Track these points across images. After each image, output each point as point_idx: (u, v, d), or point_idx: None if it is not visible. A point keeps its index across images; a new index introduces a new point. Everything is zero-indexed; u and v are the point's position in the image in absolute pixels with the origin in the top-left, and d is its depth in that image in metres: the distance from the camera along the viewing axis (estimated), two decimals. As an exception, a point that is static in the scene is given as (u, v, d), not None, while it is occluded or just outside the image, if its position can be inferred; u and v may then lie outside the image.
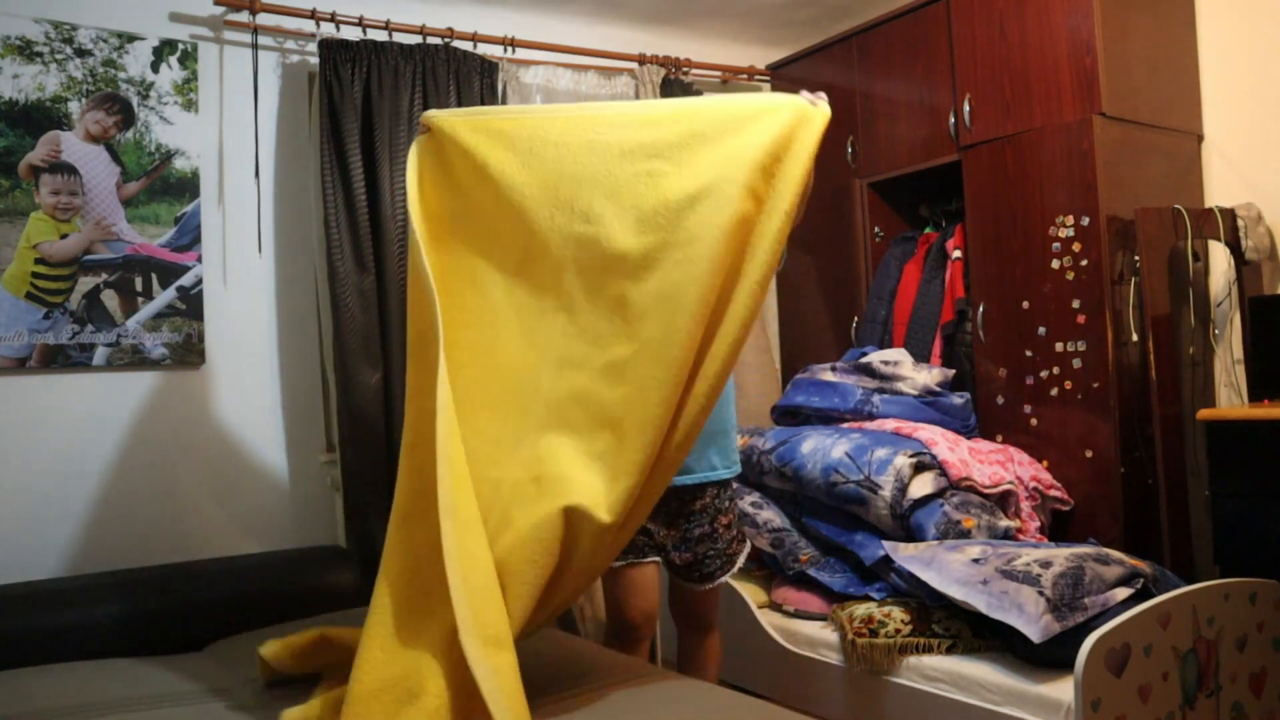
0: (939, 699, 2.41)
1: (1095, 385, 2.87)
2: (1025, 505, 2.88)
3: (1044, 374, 3.01)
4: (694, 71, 4.00)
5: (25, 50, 2.87)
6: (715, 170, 1.81)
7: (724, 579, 2.35)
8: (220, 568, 2.83)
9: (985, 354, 3.20)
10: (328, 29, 3.27)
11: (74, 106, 2.93)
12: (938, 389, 3.20)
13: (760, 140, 1.83)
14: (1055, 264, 2.97)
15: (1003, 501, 2.87)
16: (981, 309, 3.21)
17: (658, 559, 2.35)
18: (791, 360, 4.01)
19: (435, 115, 2.01)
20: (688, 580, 2.35)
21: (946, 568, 2.49)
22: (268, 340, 3.24)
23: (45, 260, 2.87)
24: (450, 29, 3.44)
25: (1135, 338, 2.85)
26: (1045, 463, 3.01)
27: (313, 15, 3.21)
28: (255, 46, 3.17)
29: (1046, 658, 2.28)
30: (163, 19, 3.10)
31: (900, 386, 3.20)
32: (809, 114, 1.88)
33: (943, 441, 2.89)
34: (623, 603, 2.33)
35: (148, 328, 3.02)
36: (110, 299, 2.96)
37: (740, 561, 2.39)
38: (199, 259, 3.11)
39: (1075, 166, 2.91)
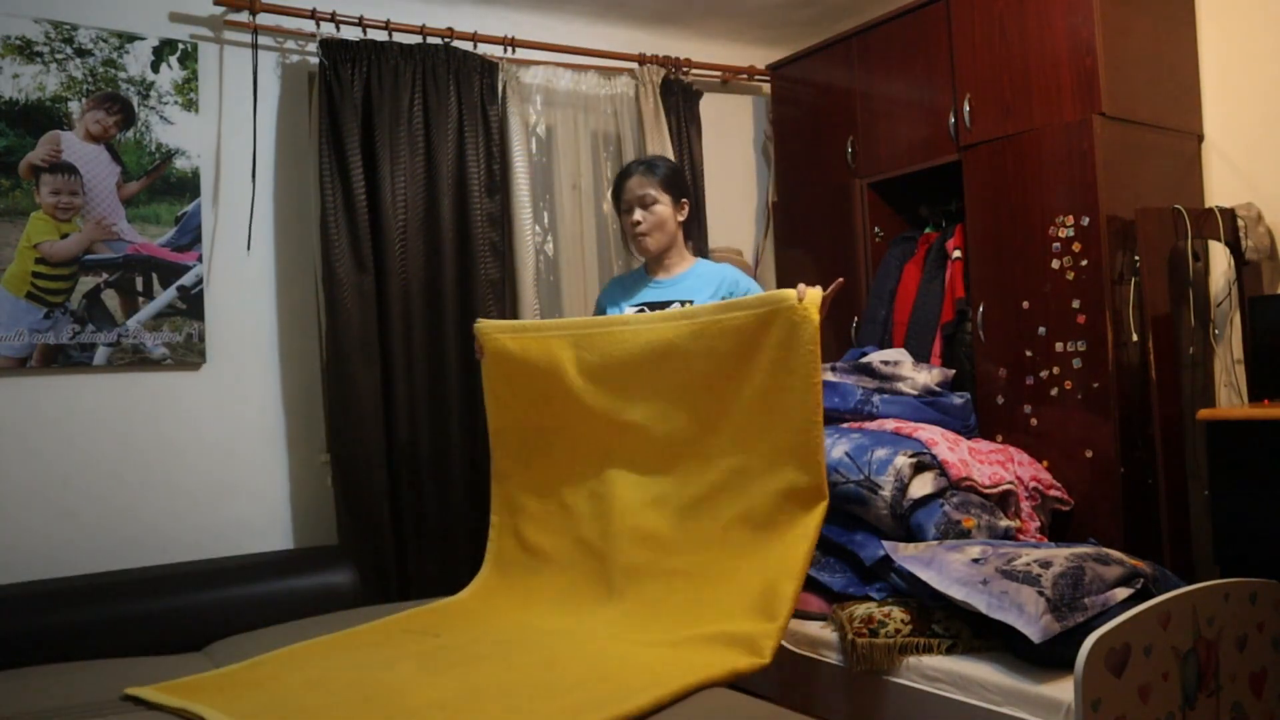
0: (939, 699, 2.41)
1: (1095, 385, 2.87)
2: (1025, 505, 2.88)
3: (1044, 374, 3.01)
4: (694, 71, 4.01)
5: (25, 50, 2.87)
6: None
7: None
8: (220, 568, 2.83)
9: (985, 354, 3.20)
10: (328, 29, 3.28)
11: (74, 106, 2.93)
12: (938, 389, 3.20)
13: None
14: (1055, 264, 2.97)
15: (1003, 501, 2.87)
16: (981, 309, 3.21)
17: None
18: (791, 360, 4.00)
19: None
20: None
21: (946, 568, 2.49)
22: (268, 340, 3.24)
23: (46, 260, 2.88)
24: (450, 29, 3.44)
25: (1135, 338, 2.85)
26: (1045, 463, 3.00)
27: (313, 15, 3.22)
28: (255, 46, 3.18)
29: (1046, 658, 2.27)
30: (163, 19, 3.10)
31: (900, 386, 3.19)
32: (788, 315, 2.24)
33: (943, 441, 2.89)
34: None
35: (148, 327, 3.02)
36: (111, 299, 2.97)
37: None
38: (199, 259, 3.11)
39: (1075, 166, 2.91)
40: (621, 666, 1.94)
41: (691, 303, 2.56)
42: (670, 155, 3.82)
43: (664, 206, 2.66)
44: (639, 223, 2.65)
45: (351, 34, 3.30)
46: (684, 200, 2.72)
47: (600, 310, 2.85)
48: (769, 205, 4.22)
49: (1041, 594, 2.27)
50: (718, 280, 2.67)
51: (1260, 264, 2.98)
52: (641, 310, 2.64)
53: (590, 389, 2.48)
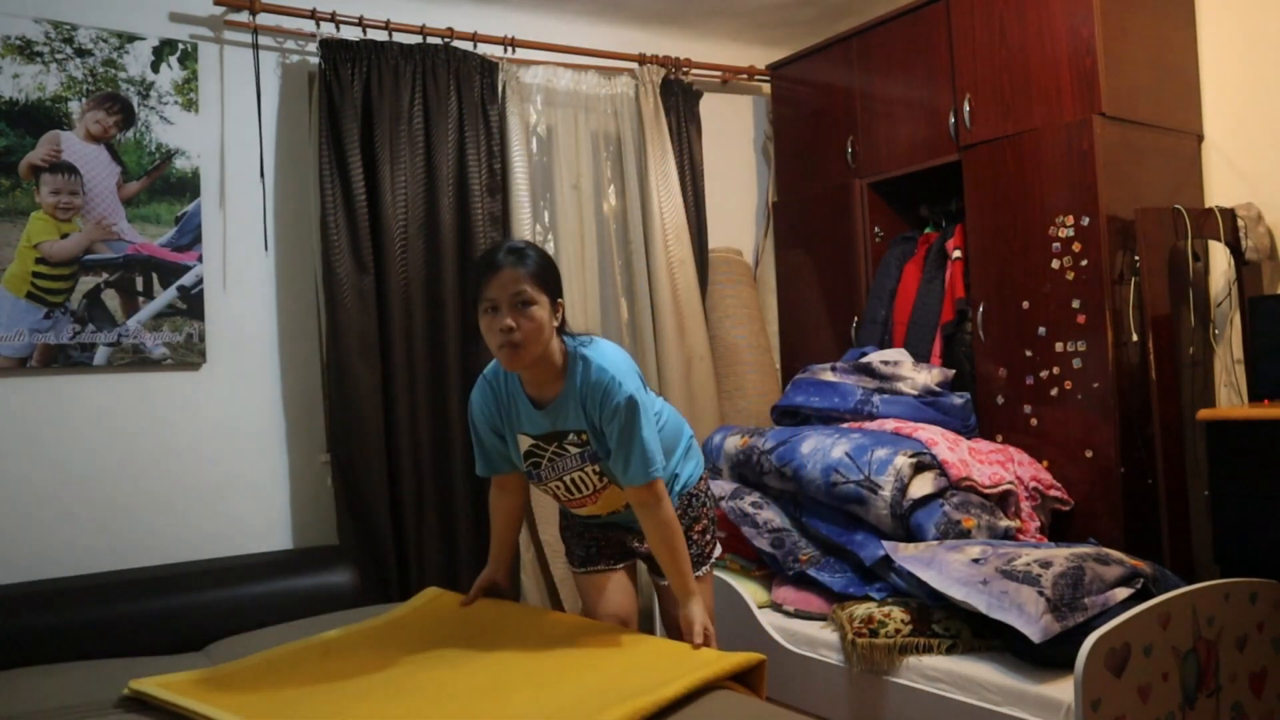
0: (939, 699, 2.41)
1: (1095, 385, 2.87)
2: (1025, 505, 2.88)
3: (1044, 374, 3.01)
4: (694, 71, 4.01)
5: (25, 50, 2.87)
6: None
7: (698, 574, 2.30)
8: (220, 568, 2.83)
9: (985, 354, 3.20)
10: (328, 29, 3.28)
11: (74, 106, 2.93)
12: (938, 389, 3.20)
13: None
14: (1055, 264, 2.97)
15: (1003, 501, 2.87)
16: (981, 309, 3.21)
17: (628, 564, 2.34)
18: (791, 360, 4.01)
19: None
20: (662, 576, 2.30)
21: (946, 568, 2.49)
22: (268, 340, 3.24)
23: (46, 260, 2.88)
24: (450, 29, 3.44)
25: (1135, 338, 2.85)
26: (1045, 463, 3.00)
27: (313, 15, 3.22)
28: (255, 46, 3.17)
29: (1046, 658, 2.28)
30: (163, 19, 3.10)
31: (900, 386, 3.20)
32: None
33: (943, 441, 2.89)
34: (599, 612, 2.30)
35: (148, 327, 3.02)
36: (111, 299, 2.96)
37: (713, 558, 2.36)
38: (199, 259, 3.11)
39: (1075, 166, 2.91)
40: (628, 669, 1.94)
41: (586, 434, 2.09)
42: (670, 155, 3.82)
43: (540, 309, 1.98)
44: (511, 329, 1.95)
45: (351, 34, 3.30)
46: (559, 300, 2.06)
47: (489, 429, 2.20)
48: (769, 205, 4.22)
49: (1041, 594, 2.27)
50: (583, 407, 2.08)
51: (1260, 264, 2.98)
52: (537, 444, 2.13)
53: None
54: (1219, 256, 3.06)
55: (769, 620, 2.98)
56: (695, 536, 2.30)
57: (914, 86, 3.47)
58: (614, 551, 2.31)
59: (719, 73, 4.15)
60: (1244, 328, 2.95)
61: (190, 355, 3.08)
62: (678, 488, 2.27)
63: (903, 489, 2.76)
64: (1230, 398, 3.03)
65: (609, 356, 2.08)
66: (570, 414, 2.08)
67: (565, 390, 2.07)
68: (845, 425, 3.17)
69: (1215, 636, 2.32)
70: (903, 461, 2.78)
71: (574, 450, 2.11)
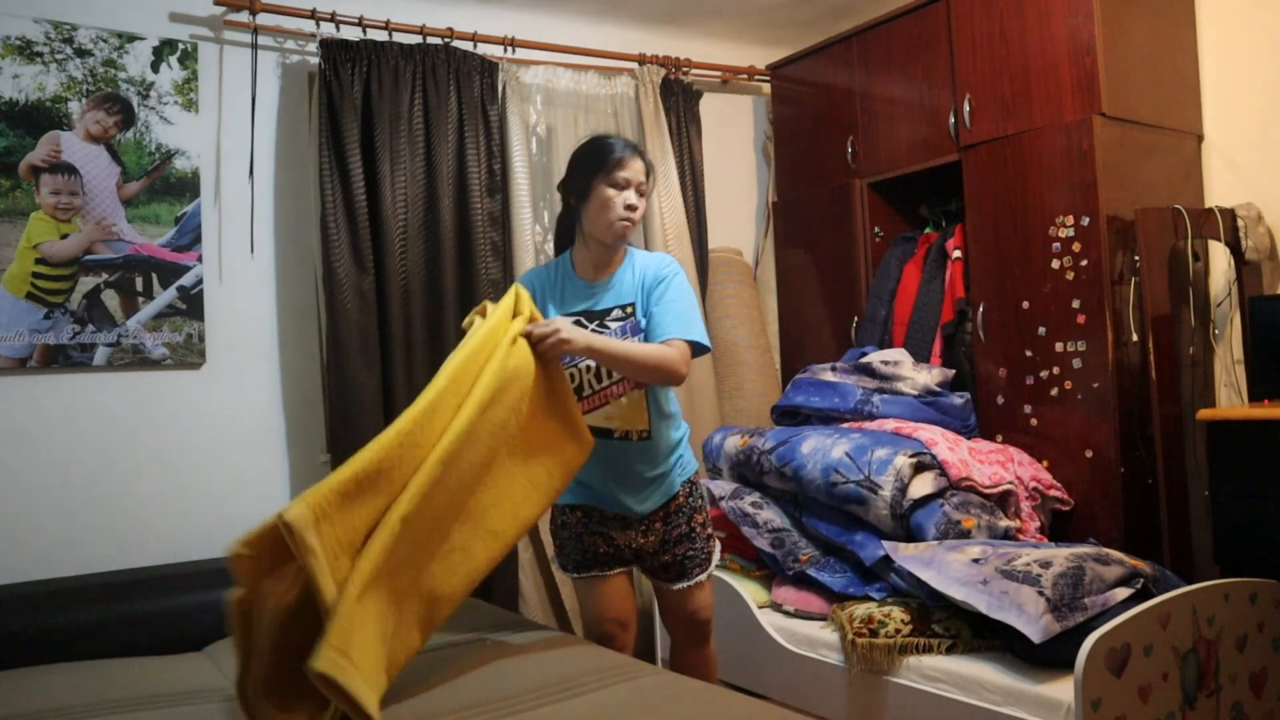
0: (939, 699, 2.41)
1: (1095, 385, 2.87)
2: (1025, 505, 2.88)
3: (1044, 374, 3.01)
4: (694, 71, 4.01)
5: (25, 50, 2.87)
6: None
7: (703, 577, 2.33)
8: (220, 568, 2.81)
9: (985, 354, 3.20)
10: (328, 29, 3.28)
11: (74, 106, 2.93)
12: (938, 389, 3.20)
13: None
14: (1055, 264, 2.97)
15: (1003, 501, 2.87)
16: (981, 309, 3.21)
17: (625, 569, 2.35)
18: (791, 360, 4.01)
19: None
20: (666, 581, 2.33)
21: (946, 568, 2.49)
22: (268, 340, 3.24)
23: (46, 260, 2.88)
24: (450, 29, 3.44)
25: (1135, 338, 2.85)
26: (1045, 463, 3.01)
27: (313, 15, 3.22)
28: (255, 46, 3.17)
29: (1046, 658, 2.28)
30: (163, 19, 3.10)
31: (900, 386, 3.20)
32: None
33: (943, 441, 2.89)
34: (598, 616, 2.31)
35: (148, 328, 3.02)
36: (111, 299, 2.97)
37: (716, 559, 2.38)
38: (199, 259, 3.11)
39: (1075, 166, 2.91)
40: None
41: (632, 306, 2.25)
42: (670, 155, 3.82)
43: (646, 201, 2.29)
44: (634, 208, 2.21)
45: (351, 34, 3.30)
46: None
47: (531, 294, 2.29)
48: (769, 205, 4.22)
49: (1041, 594, 2.27)
50: (641, 280, 2.27)
51: (1260, 264, 2.98)
52: (578, 321, 2.24)
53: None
54: (1219, 256, 3.06)
55: (769, 620, 2.98)
56: (698, 529, 2.32)
57: (914, 86, 3.47)
58: (607, 558, 2.31)
59: (719, 73, 4.15)
60: (1244, 328, 2.95)
61: (190, 355, 3.08)
62: (681, 472, 2.32)
63: (903, 489, 2.76)
64: (1230, 398, 3.03)
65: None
66: (624, 286, 2.26)
67: (624, 266, 2.29)
68: (845, 425, 3.17)
69: (1215, 636, 2.32)
70: (903, 461, 2.78)
71: (615, 325, 2.23)
